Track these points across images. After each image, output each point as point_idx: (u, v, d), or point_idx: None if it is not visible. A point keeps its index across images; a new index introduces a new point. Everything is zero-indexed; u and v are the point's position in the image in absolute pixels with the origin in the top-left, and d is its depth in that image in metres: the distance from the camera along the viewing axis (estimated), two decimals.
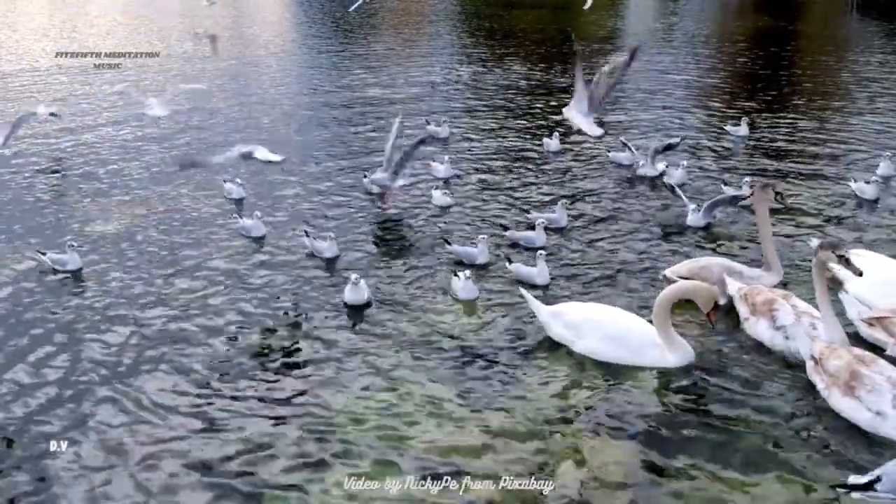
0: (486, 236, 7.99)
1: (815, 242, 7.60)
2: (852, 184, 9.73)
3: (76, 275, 7.69)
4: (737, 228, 8.77)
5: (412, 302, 7.14)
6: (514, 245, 8.27)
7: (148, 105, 12.76)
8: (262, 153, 8.50)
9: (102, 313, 6.96)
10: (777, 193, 7.17)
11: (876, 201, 9.43)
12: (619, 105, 15.45)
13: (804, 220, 8.89)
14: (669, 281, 6.98)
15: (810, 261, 7.43)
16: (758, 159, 11.51)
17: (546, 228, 8.37)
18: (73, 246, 7.74)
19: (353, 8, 27.25)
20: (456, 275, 7.24)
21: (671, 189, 9.31)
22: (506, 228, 8.59)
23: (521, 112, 14.71)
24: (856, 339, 6.16)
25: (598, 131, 8.36)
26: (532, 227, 8.42)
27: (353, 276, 7.01)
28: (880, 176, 10.00)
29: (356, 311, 6.91)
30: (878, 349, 6.03)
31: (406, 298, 7.20)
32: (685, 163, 10.47)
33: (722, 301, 6.48)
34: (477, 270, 7.62)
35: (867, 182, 9.63)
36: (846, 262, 6.04)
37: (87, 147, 12.33)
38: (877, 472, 4.37)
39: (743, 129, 12.57)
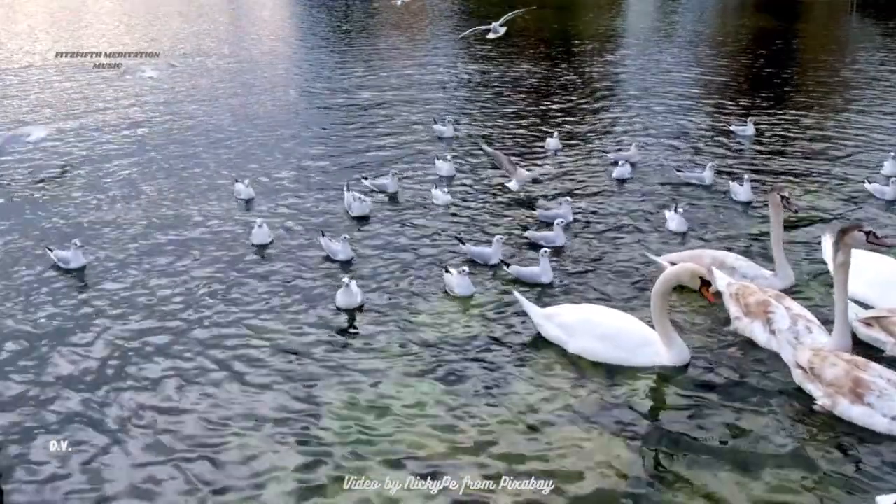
0: (501, 237, 7.97)
1: (826, 241, 7.56)
2: (867, 184, 9.66)
3: (80, 273, 7.72)
4: (746, 232, 8.72)
5: (409, 301, 7.13)
6: (535, 246, 8.18)
7: (142, 70, 13.94)
8: (36, 133, 10.30)
9: (104, 312, 6.96)
10: (783, 198, 7.06)
11: (895, 202, 9.35)
12: (622, 103, 15.47)
13: (818, 222, 8.78)
14: (658, 268, 6.99)
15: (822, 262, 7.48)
16: (766, 159, 11.50)
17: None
18: (77, 245, 7.78)
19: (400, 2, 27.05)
20: (447, 271, 7.25)
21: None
22: (525, 228, 8.58)
23: (522, 112, 14.71)
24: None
25: (516, 186, 9.67)
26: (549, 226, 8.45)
27: (345, 279, 7.00)
28: (885, 175, 9.96)
29: (351, 314, 6.89)
30: (875, 349, 6.05)
31: (403, 298, 7.19)
32: (713, 163, 10.39)
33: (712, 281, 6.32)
34: (475, 268, 7.64)
35: (885, 183, 9.55)
36: (876, 239, 5.88)
37: (92, 146, 12.31)
38: None
39: (749, 129, 12.55)
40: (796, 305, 6.30)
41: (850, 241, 5.87)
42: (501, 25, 16.94)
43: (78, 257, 7.76)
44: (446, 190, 9.66)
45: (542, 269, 7.37)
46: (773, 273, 7.12)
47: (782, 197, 7.05)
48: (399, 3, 26.80)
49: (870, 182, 9.70)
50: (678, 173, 10.40)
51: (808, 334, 5.98)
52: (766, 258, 7.60)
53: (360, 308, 6.95)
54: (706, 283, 5.89)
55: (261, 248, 8.31)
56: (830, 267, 6.59)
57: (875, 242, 5.91)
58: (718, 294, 6.52)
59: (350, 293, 6.90)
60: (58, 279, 7.62)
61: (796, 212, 7.48)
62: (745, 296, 6.42)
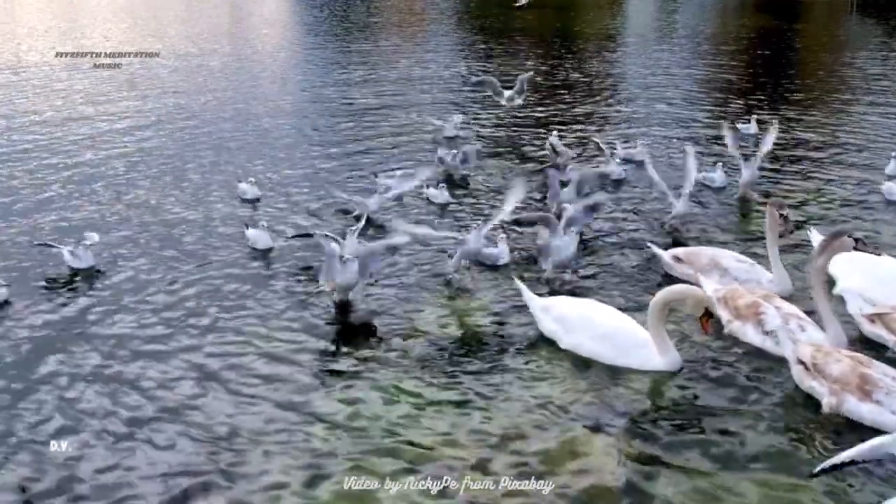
0: (505, 235, 7.91)
1: (813, 233, 7.53)
2: (883, 185, 9.54)
3: (89, 272, 7.70)
4: (746, 233, 8.67)
5: (408, 302, 7.09)
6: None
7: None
8: None
9: (105, 312, 6.93)
10: (782, 216, 6.92)
11: None
12: (623, 102, 15.46)
13: (826, 223, 8.64)
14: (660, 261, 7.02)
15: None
16: (768, 156, 11.43)
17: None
18: (87, 244, 7.78)
19: (519, 4, 26.76)
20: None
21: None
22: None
23: (522, 110, 14.68)
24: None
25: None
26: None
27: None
28: (888, 175, 9.92)
29: (348, 315, 6.85)
30: (877, 346, 6.03)
31: (403, 299, 7.16)
32: (722, 163, 10.29)
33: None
34: (480, 269, 7.61)
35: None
36: (864, 246, 5.92)
37: (93, 146, 12.28)
38: (850, 454, 4.41)
39: (752, 128, 12.50)
40: (787, 304, 6.25)
41: (838, 247, 5.91)
42: (519, 94, 13.71)
43: (88, 256, 7.75)
44: (444, 187, 9.61)
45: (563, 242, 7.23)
46: (770, 280, 7.04)
47: (781, 215, 6.93)
48: (521, 2, 26.66)
49: (884, 183, 9.58)
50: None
51: (801, 333, 5.93)
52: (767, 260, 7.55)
53: (355, 307, 6.89)
54: (709, 314, 5.80)
55: (263, 252, 8.24)
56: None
57: (861, 249, 5.98)
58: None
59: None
60: (64, 277, 7.61)
61: (791, 232, 7.32)
62: (734, 299, 6.35)
